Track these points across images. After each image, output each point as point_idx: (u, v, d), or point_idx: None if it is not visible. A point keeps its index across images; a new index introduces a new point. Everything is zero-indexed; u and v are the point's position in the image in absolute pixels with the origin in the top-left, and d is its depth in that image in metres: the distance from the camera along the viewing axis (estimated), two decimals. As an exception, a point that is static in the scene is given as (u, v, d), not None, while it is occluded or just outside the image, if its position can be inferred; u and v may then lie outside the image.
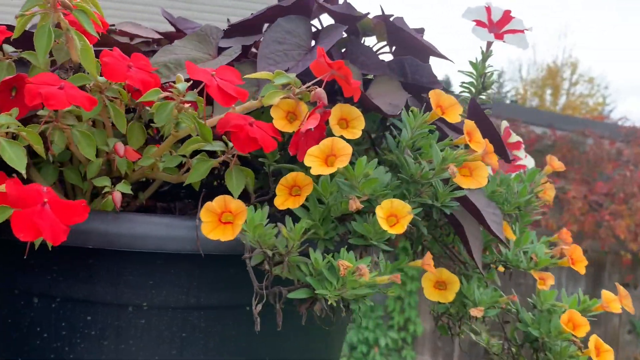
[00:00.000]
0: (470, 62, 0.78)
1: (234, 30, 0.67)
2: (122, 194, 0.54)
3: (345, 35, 0.67)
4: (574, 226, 3.87)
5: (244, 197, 0.62)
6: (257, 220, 0.45)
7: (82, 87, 0.52)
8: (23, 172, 0.44)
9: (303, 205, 0.51)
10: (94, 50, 0.53)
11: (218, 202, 0.47)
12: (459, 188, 0.55)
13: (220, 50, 0.63)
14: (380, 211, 0.46)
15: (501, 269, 0.70)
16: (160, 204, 0.66)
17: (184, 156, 0.55)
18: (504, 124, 0.88)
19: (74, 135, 0.49)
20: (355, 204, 0.46)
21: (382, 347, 3.67)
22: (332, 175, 0.50)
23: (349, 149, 0.46)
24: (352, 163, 0.49)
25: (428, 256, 0.53)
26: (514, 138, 0.86)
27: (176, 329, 0.56)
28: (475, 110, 0.66)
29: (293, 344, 0.61)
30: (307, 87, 0.50)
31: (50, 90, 0.44)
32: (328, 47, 0.57)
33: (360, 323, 3.66)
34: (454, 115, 0.52)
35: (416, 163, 0.50)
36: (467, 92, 0.78)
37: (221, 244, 0.53)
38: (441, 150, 0.51)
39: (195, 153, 0.55)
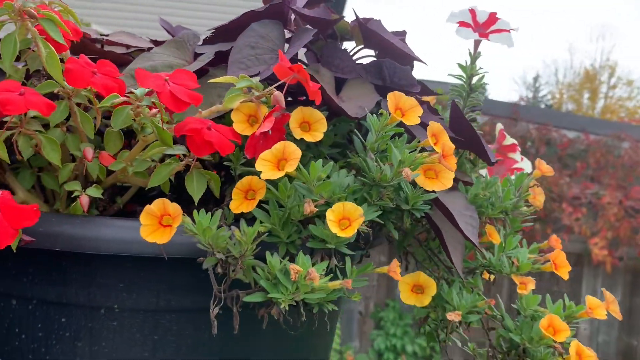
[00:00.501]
0: (459, 65, 0.77)
1: (216, 36, 0.68)
2: (102, 198, 0.55)
3: (323, 38, 0.67)
4: (609, 232, 3.77)
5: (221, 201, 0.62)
6: (205, 224, 0.45)
7: (52, 94, 0.53)
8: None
9: (265, 209, 0.51)
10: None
11: (157, 205, 0.47)
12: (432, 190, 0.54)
13: (197, 56, 0.63)
14: (331, 214, 0.45)
15: (485, 274, 0.68)
16: (140, 209, 0.66)
17: (155, 160, 0.56)
18: (499, 126, 0.87)
19: (41, 140, 0.51)
20: (309, 207, 0.46)
21: (410, 355, 3.63)
22: (291, 178, 0.49)
23: (298, 153, 0.46)
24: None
25: (394, 263, 0.52)
26: (509, 141, 0.85)
27: (148, 331, 0.57)
28: (455, 113, 0.65)
29: (266, 346, 0.61)
30: (268, 91, 0.50)
31: (8, 96, 0.45)
32: (296, 51, 0.57)
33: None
34: (414, 117, 0.51)
35: (377, 166, 0.49)
36: (457, 94, 0.77)
37: (189, 247, 0.53)
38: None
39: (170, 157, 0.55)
